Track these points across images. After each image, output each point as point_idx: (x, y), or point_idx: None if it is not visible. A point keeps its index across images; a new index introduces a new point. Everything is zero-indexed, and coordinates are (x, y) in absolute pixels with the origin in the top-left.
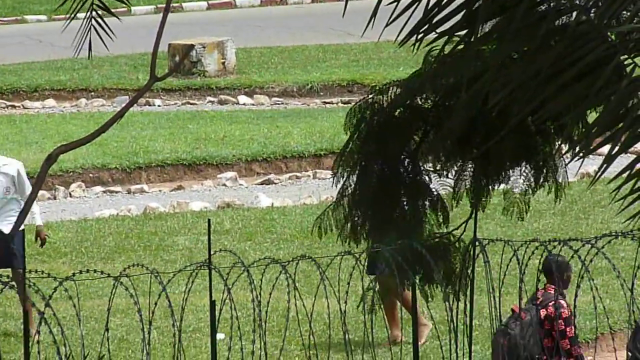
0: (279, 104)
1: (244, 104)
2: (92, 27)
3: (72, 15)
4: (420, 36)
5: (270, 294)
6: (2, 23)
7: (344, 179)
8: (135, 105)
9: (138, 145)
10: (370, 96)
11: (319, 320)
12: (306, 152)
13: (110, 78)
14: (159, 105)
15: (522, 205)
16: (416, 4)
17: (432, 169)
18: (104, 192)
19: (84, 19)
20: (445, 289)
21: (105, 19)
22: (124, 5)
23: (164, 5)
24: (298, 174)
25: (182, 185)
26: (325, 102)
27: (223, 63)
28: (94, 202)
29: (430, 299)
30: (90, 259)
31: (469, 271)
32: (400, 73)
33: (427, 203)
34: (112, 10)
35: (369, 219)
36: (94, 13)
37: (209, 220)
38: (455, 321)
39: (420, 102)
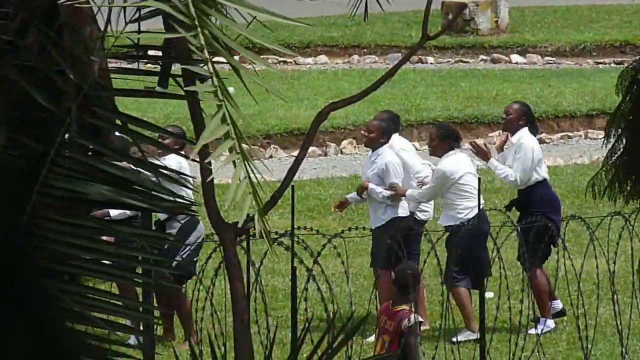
0: (551, 63)
1: (516, 63)
2: None
3: None
4: None
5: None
6: None
7: (615, 140)
8: (407, 62)
9: (410, 102)
10: None
11: (588, 280)
12: (578, 112)
13: (383, 35)
14: (431, 63)
15: None
16: None
17: None
18: None
19: None
20: None
21: None
22: None
23: None
24: (570, 134)
25: None
26: (597, 63)
27: (496, 21)
28: (365, 159)
29: None
30: (360, 216)
31: None
32: None
33: None
34: None
35: (638, 184)
36: None
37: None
38: None
39: None
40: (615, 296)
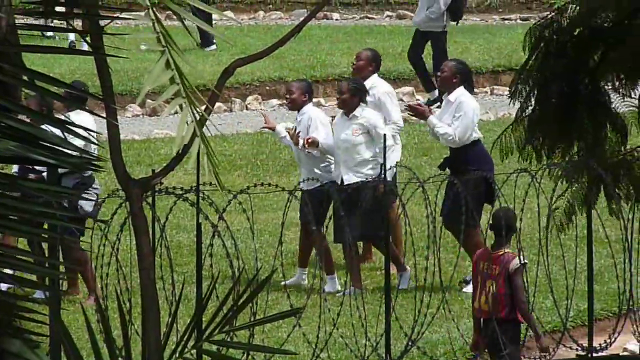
0: None
1: None
2: None
3: None
4: None
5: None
6: None
7: (523, 98)
8: (313, 19)
9: (315, 59)
10: (549, 15)
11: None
12: (484, 68)
13: None
14: (336, 19)
15: None
16: None
17: (611, 88)
18: (280, 105)
19: None
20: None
21: None
22: None
23: None
24: (475, 90)
25: None
26: (503, 19)
27: None
28: (270, 115)
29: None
30: (265, 172)
31: None
32: None
33: (606, 122)
34: None
35: (549, 138)
36: None
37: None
38: (630, 240)
39: (599, 22)
40: (521, 253)
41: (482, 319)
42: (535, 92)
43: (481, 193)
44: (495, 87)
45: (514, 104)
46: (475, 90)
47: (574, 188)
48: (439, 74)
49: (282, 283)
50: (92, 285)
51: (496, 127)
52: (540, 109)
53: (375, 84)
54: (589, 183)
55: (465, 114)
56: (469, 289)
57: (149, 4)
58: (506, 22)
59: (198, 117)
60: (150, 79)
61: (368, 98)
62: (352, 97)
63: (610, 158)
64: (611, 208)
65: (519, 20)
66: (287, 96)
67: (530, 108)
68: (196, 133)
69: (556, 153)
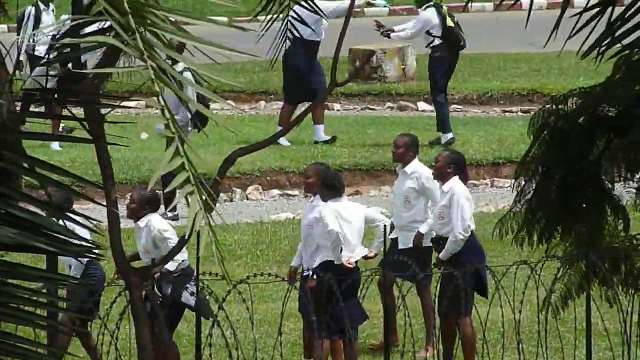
0: (458, 111)
1: (423, 111)
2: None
3: (272, 21)
4: (602, 49)
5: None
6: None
7: (524, 184)
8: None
9: (316, 149)
10: (553, 104)
11: (493, 329)
12: (484, 160)
13: None
14: (338, 110)
15: None
16: (599, 16)
17: (616, 175)
18: (281, 195)
19: (268, 21)
20: (627, 292)
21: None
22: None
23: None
24: (476, 182)
25: (360, 190)
26: (504, 111)
27: (403, 69)
28: (271, 205)
29: (610, 305)
30: (265, 262)
31: None
32: (580, 83)
33: (608, 210)
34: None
35: (549, 223)
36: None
37: (385, 226)
38: (629, 333)
39: (604, 111)
40: (520, 345)
41: None
42: (537, 178)
43: (473, 285)
44: (495, 179)
45: (516, 190)
46: (476, 182)
47: (571, 272)
48: (433, 163)
49: None
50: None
51: (496, 219)
52: (542, 195)
53: (417, 169)
54: (586, 268)
55: (462, 208)
56: None
57: (158, 89)
58: (507, 114)
59: (204, 205)
60: (162, 165)
61: (410, 183)
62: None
63: (610, 244)
64: (607, 295)
65: (519, 113)
66: (304, 180)
67: (530, 194)
68: (205, 220)
69: (556, 238)
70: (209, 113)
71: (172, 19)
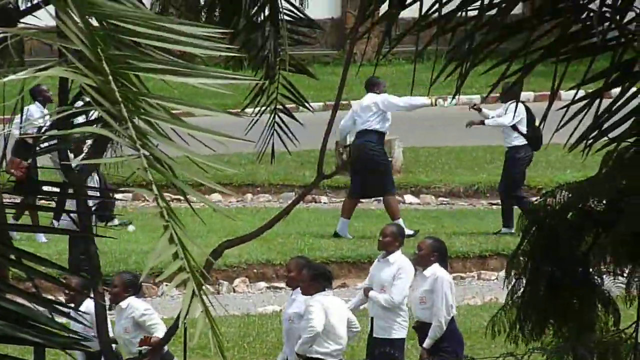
0: (445, 203)
1: (410, 203)
2: (273, 128)
3: (260, 114)
4: (590, 142)
5: None
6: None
7: (515, 280)
8: (301, 202)
9: (303, 242)
10: (541, 199)
11: None
12: (471, 253)
13: (277, 174)
14: (324, 203)
15: None
16: (587, 109)
17: (604, 270)
18: (268, 288)
19: (257, 114)
20: None
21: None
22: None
23: (332, 103)
24: (462, 274)
25: (346, 283)
26: (491, 204)
27: (390, 161)
28: (258, 298)
29: None
30: (253, 354)
31: None
32: (567, 176)
33: (598, 305)
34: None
35: (539, 320)
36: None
37: (371, 319)
38: None
39: (592, 205)
40: None
41: None
42: (527, 275)
43: None
44: (482, 271)
45: (507, 287)
46: (462, 274)
47: None
48: (416, 251)
49: None
50: None
51: (483, 311)
52: (531, 292)
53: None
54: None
55: (445, 293)
56: None
57: (152, 179)
58: (494, 207)
59: (200, 294)
60: (155, 254)
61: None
62: (312, 284)
63: (600, 339)
64: None
65: None
66: (286, 273)
67: (521, 291)
68: (202, 307)
69: (546, 334)
70: (208, 201)
71: (167, 107)
